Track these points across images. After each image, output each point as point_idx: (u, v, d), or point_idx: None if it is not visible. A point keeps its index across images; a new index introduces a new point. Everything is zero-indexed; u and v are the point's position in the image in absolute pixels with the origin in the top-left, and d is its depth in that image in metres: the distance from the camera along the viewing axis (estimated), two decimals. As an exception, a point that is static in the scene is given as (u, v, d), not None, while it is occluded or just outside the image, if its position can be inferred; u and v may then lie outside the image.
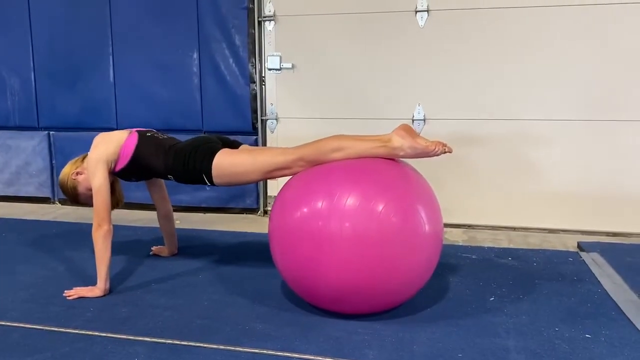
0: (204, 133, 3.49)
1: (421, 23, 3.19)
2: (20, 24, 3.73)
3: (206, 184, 2.18)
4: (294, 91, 3.45)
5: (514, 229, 3.20)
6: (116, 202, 2.36)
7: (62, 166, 3.84)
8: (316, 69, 3.38)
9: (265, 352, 1.68)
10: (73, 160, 2.40)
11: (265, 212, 3.59)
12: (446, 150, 1.93)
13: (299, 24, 3.37)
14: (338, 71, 3.34)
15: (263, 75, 3.48)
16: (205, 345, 1.72)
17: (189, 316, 1.95)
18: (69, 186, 2.35)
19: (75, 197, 2.37)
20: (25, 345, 1.73)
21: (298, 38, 3.38)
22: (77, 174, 2.33)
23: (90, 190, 2.22)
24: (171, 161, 2.21)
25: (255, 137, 3.51)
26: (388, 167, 1.90)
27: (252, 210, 3.62)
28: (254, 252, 2.74)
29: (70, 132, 3.79)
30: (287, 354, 1.67)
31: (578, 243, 2.86)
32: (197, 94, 3.55)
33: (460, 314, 1.96)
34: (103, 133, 2.35)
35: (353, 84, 3.33)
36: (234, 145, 2.27)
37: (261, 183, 3.54)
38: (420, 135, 1.96)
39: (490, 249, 2.80)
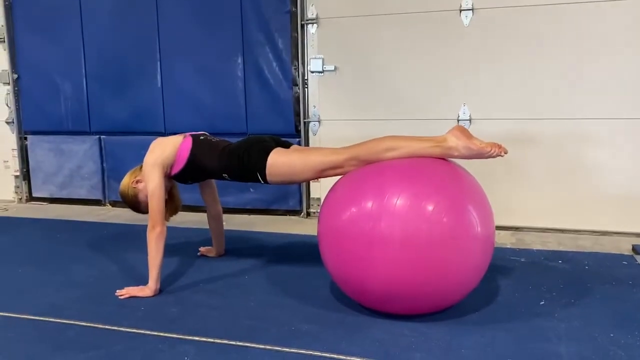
0: (249, 135, 3.53)
1: (466, 22, 3.14)
2: (73, 33, 3.88)
3: (260, 182, 2.20)
4: (336, 93, 3.45)
5: (562, 231, 3.11)
6: (175, 208, 2.41)
7: (113, 169, 3.97)
8: (359, 70, 3.37)
9: (311, 353, 1.69)
10: (132, 170, 2.43)
11: (309, 213, 3.61)
12: (502, 152, 1.90)
13: (341, 26, 3.38)
14: (381, 72, 3.33)
15: (306, 77, 3.50)
16: (252, 345, 1.74)
17: (237, 316, 1.98)
18: (130, 195, 2.38)
19: (137, 205, 2.40)
20: (81, 343, 1.80)
21: (340, 40, 3.39)
22: (137, 182, 2.37)
23: None
24: (226, 160, 2.24)
25: (297, 139, 3.53)
26: (440, 167, 1.88)
27: (295, 212, 3.64)
28: (299, 253, 2.76)
29: (120, 136, 3.92)
30: (333, 356, 1.67)
31: (633, 246, 2.75)
32: (242, 98, 3.60)
33: (510, 318, 1.92)
34: (159, 138, 2.40)
35: (396, 85, 3.31)
36: (286, 145, 2.28)
37: (304, 185, 3.56)
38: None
39: (540, 251, 2.73)
